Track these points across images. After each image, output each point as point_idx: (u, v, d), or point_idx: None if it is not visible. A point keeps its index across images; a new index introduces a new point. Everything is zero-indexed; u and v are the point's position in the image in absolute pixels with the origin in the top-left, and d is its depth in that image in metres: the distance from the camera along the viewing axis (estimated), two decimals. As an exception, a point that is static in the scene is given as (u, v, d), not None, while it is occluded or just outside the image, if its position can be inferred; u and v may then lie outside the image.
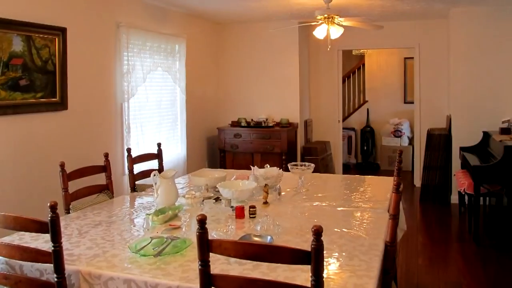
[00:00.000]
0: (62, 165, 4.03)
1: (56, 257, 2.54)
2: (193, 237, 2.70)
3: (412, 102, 10.38)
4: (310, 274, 2.08)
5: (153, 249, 2.86)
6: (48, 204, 2.53)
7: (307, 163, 4.72)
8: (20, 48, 5.01)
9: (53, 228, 2.54)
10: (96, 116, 6.22)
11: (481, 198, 7.00)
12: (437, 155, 8.60)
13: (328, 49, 7.35)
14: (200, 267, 2.25)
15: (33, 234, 3.14)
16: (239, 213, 3.57)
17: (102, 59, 6.31)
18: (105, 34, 6.35)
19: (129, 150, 5.03)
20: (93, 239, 3.14)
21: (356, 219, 3.63)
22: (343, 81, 12.00)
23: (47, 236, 2.59)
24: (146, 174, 4.98)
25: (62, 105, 5.59)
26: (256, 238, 3.03)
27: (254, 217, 3.55)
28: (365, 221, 3.56)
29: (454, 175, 8.03)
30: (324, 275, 2.13)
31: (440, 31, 9.31)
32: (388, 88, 12.34)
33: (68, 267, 2.65)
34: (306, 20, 7.50)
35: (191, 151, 8.53)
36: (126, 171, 5.72)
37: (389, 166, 11.55)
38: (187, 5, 7.75)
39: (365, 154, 12.17)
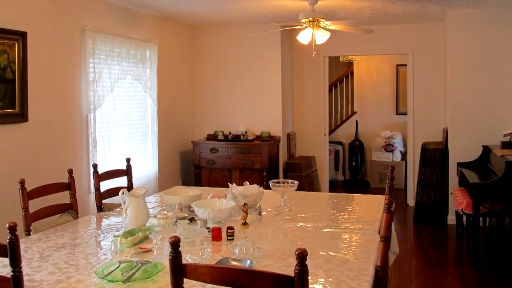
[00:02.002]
0: (22, 182, 4.03)
1: (15, 283, 2.54)
2: (165, 261, 2.72)
3: (405, 114, 10.45)
4: (293, 301, 2.10)
5: (121, 274, 2.87)
6: (7, 225, 2.54)
7: (290, 180, 4.75)
8: (-25, 54, 5.02)
9: (12, 252, 2.54)
10: (59, 128, 6.21)
11: (481, 219, 7.03)
12: (432, 172, 8.66)
13: (313, 55, 7.39)
14: (173, 293, 2.26)
15: (-11, 258, 3.15)
16: (216, 235, 3.59)
17: (66, 66, 6.31)
18: (69, 39, 6.36)
19: (95, 166, 5.04)
20: (56, 264, 3.15)
21: (344, 241, 3.66)
22: (330, 91, 12.09)
23: (6, 260, 2.59)
24: (114, 192, 5.00)
25: (22, 116, 5.58)
26: (234, 263, 3.05)
27: (232, 239, 3.58)
28: (353, 243, 3.60)
29: (451, 193, 8.04)
30: (309, 301, 2.14)
31: (435, 35, 9.41)
32: (379, 98, 12.43)
33: (29, 295, 2.66)
34: (289, 24, 7.56)
35: (163, 167, 8.53)
36: (92, 189, 5.73)
37: (380, 183, 11.62)
38: (159, 7, 7.77)
39: (354, 170, 12.23)
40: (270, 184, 4.68)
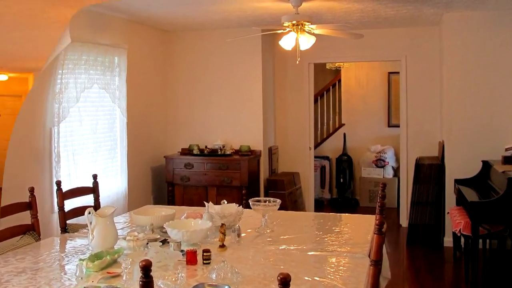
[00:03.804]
0: (-23, 202, 4.04)
1: (-29, 312, 2.56)
2: (135, 287, 2.75)
3: (398, 126, 10.49)
4: (275, 330, 2.12)
5: (88, 301, 2.89)
6: (-37, 248, 2.56)
7: (271, 199, 4.78)
8: None
9: (-32, 277, 2.56)
10: (20, 142, 6.18)
11: (480, 241, 7.01)
12: (427, 189, 8.69)
13: (297, 62, 7.40)
14: (145, 322, 2.28)
15: None
16: (191, 258, 3.61)
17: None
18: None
19: (58, 183, 5.04)
20: (15, 291, 3.16)
21: (331, 265, 3.70)
22: (315, 101, 12.08)
23: (-39, 287, 2.60)
24: (79, 211, 5.01)
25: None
26: (211, 288, 3.08)
27: (209, 263, 3.60)
28: (341, 268, 3.64)
29: (448, 213, 8.04)
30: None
31: (430, 40, 9.48)
32: (369, 108, 12.48)
33: (-14, 324, 2.67)
34: (270, 28, 7.58)
35: (133, 184, 8.52)
36: (56, 208, 5.72)
37: (370, 202, 11.67)
38: (128, 9, 7.75)
39: (342, 188, 12.25)
40: (250, 203, 4.70)
